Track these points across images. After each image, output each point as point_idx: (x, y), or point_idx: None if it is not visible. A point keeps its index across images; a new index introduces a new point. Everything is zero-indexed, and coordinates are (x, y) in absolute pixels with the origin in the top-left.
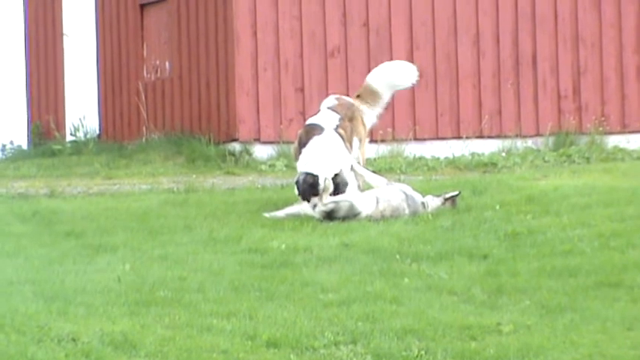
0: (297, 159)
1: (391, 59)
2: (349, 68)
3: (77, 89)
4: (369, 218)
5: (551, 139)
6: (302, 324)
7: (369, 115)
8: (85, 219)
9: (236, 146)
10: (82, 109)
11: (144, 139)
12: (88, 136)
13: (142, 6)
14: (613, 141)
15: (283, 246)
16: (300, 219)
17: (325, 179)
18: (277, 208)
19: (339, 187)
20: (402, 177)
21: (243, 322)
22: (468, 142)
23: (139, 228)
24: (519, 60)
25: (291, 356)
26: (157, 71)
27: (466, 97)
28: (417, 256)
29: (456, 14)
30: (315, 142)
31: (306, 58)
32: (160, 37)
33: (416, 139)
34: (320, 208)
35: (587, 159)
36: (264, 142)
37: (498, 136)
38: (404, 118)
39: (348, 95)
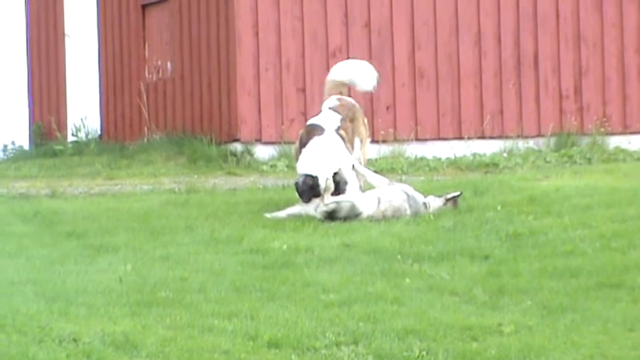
0: (297, 159)
1: (393, 59)
2: None
3: (79, 89)
4: (371, 218)
5: (552, 140)
6: (303, 324)
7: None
8: (86, 219)
9: (237, 146)
10: (83, 110)
11: (145, 140)
12: (90, 136)
13: (144, 6)
14: (614, 142)
15: (285, 246)
16: (301, 219)
17: (327, 179)
18: (279, 209)
19: (339, 185)
20: (404, 177)
21: (244, 322)
22: (470, 142)
23: (141, 228)
24: (521, 60)
25: (293, 357)
26: (158, 71)
27: (468, 98)
28: (418, 257)
29: (458, 14)
30: (314, 142)
31: (307, 58)
32: (161, 37)
33: (417, 139)
34: (321, 208)
35: (589, 160)
36: (266, 143)
37: (500, 137)
38: (405, 118)
39: (349, 96)
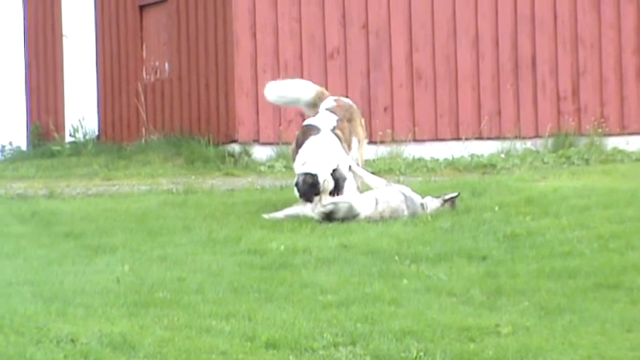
0: (294, 159)
1: (390, 61)
2: (349, 70)
3: (76, 90)
4: (368, 219)
5: (550, 141)
6: (301, 325)
7: None
8: (84, 220)
9: (235, 147)
10: (81, 110)
11: (143, 140)
12: (88, 137)
13: (142, 7)
14: (612, 142)
15: (282, 247)
16: (299, 220)
17: (324, 180)
18: (276, 209)
19: (338, 182)
20: (402, 178)
21: (242, 323)
22: (468, 143)
23: (138, 229)
24: (518, 62)
25: (290, 357)
26: (156, 72)
27: (465, 99)
28: (416, 258)
29: (456, 16)
30: (311, 142)
31: (305, 60)
32: (159, 38)
33: (415, 140)
34: (319, 209)
35: (587, 160)
36: (264, 144)
37: (497, 138)
38: (403, 119)
39: (347, 97)
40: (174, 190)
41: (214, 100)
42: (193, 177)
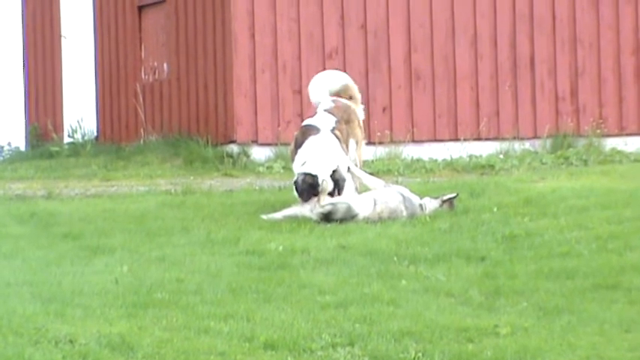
0: (293, 160)
1: (389, 61)
2: (347, 70)
3: (75, 91)
4: (367, 220)
5: (548, 142)
6: (299, 326)
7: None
8: (82, 221)
9: (234, 148)
10: (79, 111)
11: (141, 141)
12: (86, 137)
13: (140, 8)
14: (611, 143)
15: (281, 248)
16: (297, 221)
17: (323, 181)
18: (275, 210)
19: (337, 183)
20: (400, 179)
21: (240, 324)
22: (466, 144)
23: (137, 230)
24: (517, 62)
25: (289, 358)
26: (154, 73)
27: (464, 99)
28: (414, 258)
29: (454, 16)
30: (310, 142)
31: (304, 60)
32: (157, 38)
33: (414, 141)
34: (317, 209)
35: (585, 161)
36: (262, 144)
37: (496, 138)
38: (402, 120)
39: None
40: (172, 190)
41: (213, 101)
42: (192, 178)
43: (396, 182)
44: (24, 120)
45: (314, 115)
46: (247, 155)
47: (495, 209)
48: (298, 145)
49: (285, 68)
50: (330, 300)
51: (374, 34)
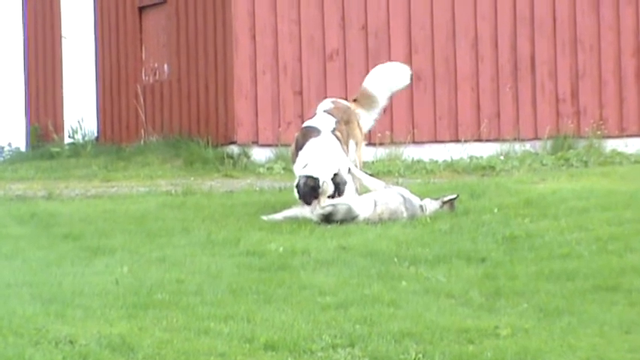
0: (294, 162)
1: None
2: (348, 71)
3: (76, 92)
4: (367, 221)
5: (549, 143)
6: (300, 327)
7: (366, 118)
8: (82, 221)
9: (234, 149)
10: (80, 112)
11: (142, 142)
12: (87, 138)
13: (141, 9)
14: (611, 145)
15: (281, 249)
16: (297, 222)
17: (324, 182)
18: (275, 211)
19: (339, 186)
20: (400, 180)
21: (240, 324)
22: (467, 145)
23: (137, 230)
24: (518, 64)
25: (289, 359)
26: (155, 74)
27: (464, 101)
28: (414, 259)
29: (455, 18)
30: (312, 144)
31: (304, 62)
32: (158, 39)
33: (414, 142)
34: (318, 211)
35: (585, 163)
36: (263, 145)
37: (497, 140)
38: (402, 121)
39: (346, 99)
40: (173, 191)
41: (213, 102)
42: (192, 178)
43: (397, 183)
44: (24, 120)
45: (313, 116)
46: (248, 156)
47: (496, 210)
48: (299, 146)
49: (285, 69)
50: (331, 301)
51: (375, 36)
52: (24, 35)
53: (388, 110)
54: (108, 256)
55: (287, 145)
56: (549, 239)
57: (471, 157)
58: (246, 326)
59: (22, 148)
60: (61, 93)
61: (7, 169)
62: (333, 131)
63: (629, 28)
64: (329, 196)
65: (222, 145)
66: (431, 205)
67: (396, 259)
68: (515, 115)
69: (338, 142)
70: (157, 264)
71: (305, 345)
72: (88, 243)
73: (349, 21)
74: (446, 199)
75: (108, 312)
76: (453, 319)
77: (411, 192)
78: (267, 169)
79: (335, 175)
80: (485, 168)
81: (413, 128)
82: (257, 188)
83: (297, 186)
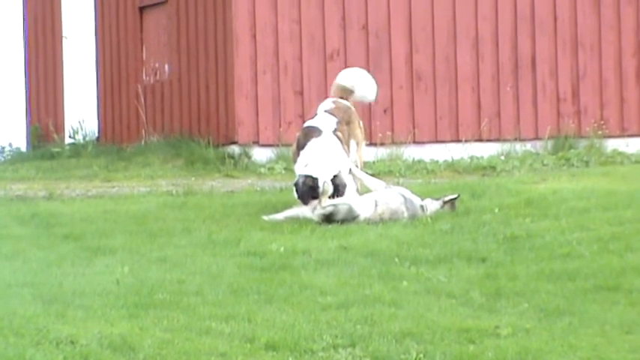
0: (295, 161)
1: (390, 62)
2: None
3: (76, 92)
4: (368, 221)
5: (550, 143)
6: (300, 327)
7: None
8: (83, 221)
9: (235, 149)
10: (81, 112)
11: (143, 142)
12: (87, 138)
13: (142, 9)
14: (612, 145)
15: (282, 249)
16: (298, 222)
17: (324, 182)
18: (276, 211)
19: (338, 188)
20: (401, 180)
21: (241, 324)
22: (467, 145)
23: (138, 231)
24: (518, 63)
25: (290, 359)
26: (156, 74)
27: (465, 101)
28: (415, 259)
29: (456, 17)
30: (313, 144)
31: (305, 61)
32: (159, 39)
33: (415, 142)
34: (319, 210)
35: (586, 162)
36: (263, 145)
37: (497, 140)
38: (403, 121)
39: (346, 99)
40: (173, 191)
41: (214, 102)
42: (193, 178)
43: (397, 183)
44: (25, 121)
45: (314, 115)
46: (248, 156)
47: (496, 210)
48: (300, 146)
49: (286, 69)
50: (332, 301)
51: (375, 35)
52: (24, 35)
53: (389, 110)
54: (109, 256)
55: (288, 145)
56: (550, 239)
57: (471, 157)
58: (247, 326)
59: (23, 148)
60: (62, 93)
61: (8, 169)
62: (334, 131)
63: (630, 28)
64: (329, 197)
65: (223, 145)
66: (432, 205)
67: (396, 259)
68: (516, 114)
69: (339, 142)
70: (157, 264)
71: (306, 345)
72: (88, 243)
73: (350, 21)
74: (447, 199)
75: (109, 312)
76: (454, 319)
77: (412, 192)
78: (268, 169)
79: (335, 176)
80: (486, 168)
81: (414, 128)
82: (258, 188)
83: (296, 185)
